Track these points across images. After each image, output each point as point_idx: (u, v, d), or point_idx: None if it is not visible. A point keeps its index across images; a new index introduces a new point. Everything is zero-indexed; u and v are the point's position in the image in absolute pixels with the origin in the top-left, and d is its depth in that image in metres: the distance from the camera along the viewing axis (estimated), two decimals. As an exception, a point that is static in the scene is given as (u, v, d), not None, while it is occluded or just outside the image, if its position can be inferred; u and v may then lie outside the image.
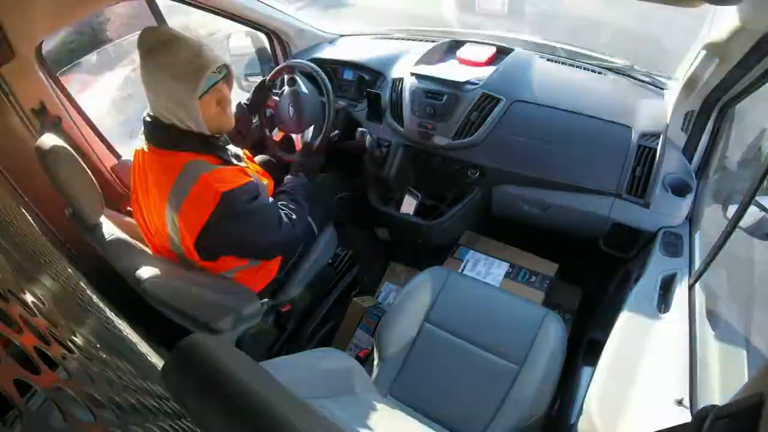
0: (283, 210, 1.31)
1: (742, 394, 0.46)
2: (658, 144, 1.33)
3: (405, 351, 1.29)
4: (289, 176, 1.48)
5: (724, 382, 1.00)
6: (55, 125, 1.37)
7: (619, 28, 3.34)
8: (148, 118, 1.18)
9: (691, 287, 1.12)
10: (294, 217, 1.32)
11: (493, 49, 1.67)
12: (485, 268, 1.71)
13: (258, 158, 1.82)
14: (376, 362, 1.32)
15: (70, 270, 1.07)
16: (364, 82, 1.82)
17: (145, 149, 1.21)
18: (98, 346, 0.58)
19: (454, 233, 1.83)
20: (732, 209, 1.10)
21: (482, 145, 1.53)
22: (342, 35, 2.10)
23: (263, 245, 1.27)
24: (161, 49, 1.07)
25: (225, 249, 1.27)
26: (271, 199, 1.31)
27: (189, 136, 1.17)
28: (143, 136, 1.21)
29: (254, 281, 1.42)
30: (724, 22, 1.05)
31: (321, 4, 4.71)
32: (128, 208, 1.61)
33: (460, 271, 1.71)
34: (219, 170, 1.16)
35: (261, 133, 1.79)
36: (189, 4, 1.64)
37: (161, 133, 1.16)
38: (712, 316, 1.15)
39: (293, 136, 1.74)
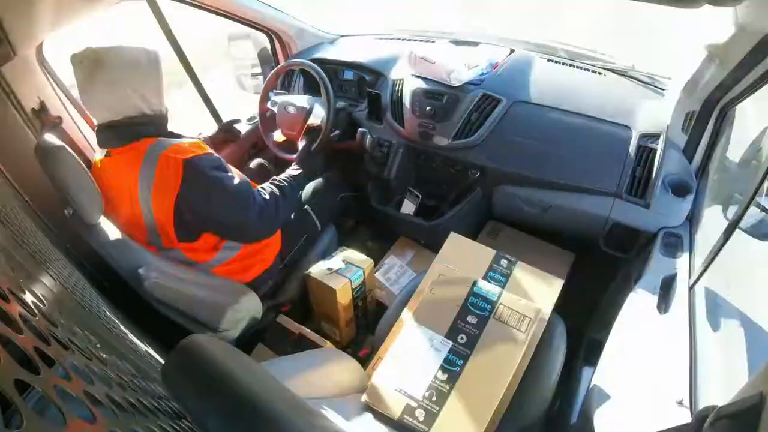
0: (260, 191, 1.35)
1: (742, 395, 0.46)
2: (658, 144, 1.33)
3: None
4: (287, 171, 1.51)
5: (724, 382, 1.00)
6: (56, 125, 1.37)
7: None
8: (103, 126, 1.23)
9: (691, 288, 1.12)
10: (270, 199, 1.34)
11: (507, 51, 1.67)
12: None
13: (252, 163, 1.84)
14: (375, 362, 1.32)
15: (70, 270, 1.07)
16: (365, 82, 1.82)
17: (103, 157, 1.25)
18: (98, 346, 0.58)
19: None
20: (732, 210, 1.10)
21: (483, 145, 1.53)
22: (342, 35, 2.10)
23: (235, 222, 1.29)
24: (112, 53, 1.16)
25: (199, 223, 1.28)
26: (239, 178, 1.32)
27: (148, 122, 1.23)
28: (99, 149, 1.27)
29: (245, 271, 1.44)
30: (725, 22, 1.05)
31: None
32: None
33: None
34: (177, 144, 1.22)
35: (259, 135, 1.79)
36: (189, 4, 1.64)
37: (120, 132, 1.22)
38: (712, 316, 1.15)
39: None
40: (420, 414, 0.94)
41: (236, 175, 1.32)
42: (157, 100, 1.25)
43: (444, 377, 0.97)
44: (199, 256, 1.33)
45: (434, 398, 0.95)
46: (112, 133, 1.22)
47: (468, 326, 1.02)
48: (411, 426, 0.94)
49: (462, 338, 1.01)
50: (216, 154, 1.30)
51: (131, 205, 1.23)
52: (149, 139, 1.21)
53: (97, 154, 1.28)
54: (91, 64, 1.14)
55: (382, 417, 0.99)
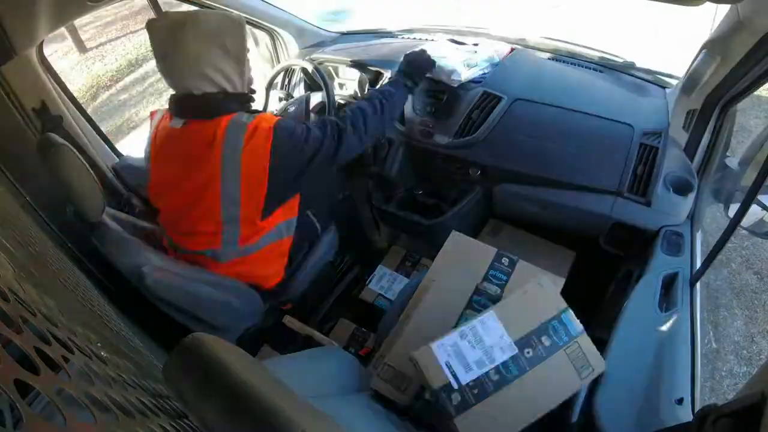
0: (352, 120, 1.30)
1: (743, 393, 0.46)
2: (659, 142, 1.33)
3: None
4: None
5: (724, 381, 1.00)
6: (56, 124, 1.37)
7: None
8: (180, 96, 1.20)
9: (692, 286, 1.12)
10: (366, 129, 1.31)
11: (508, 47, 1.67)
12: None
13: None
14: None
15: (71, 268, 1.07)
16: (365, 80, 1.82)
17: (177, 127, 1.21)
18: (99, 345, 0.58)
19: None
20: (733, 208, 1.10)
21: (483, 143, 1.53)
22: (342, 33, 2.10)
23: (328, 146, 1.25)
24: (195, 20, 1.12)
25: (293, 179, 1.25)
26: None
27: (230, 99, 1.21)
28: (173, 116, 1.23)
29: (270, 270, 1.43)
30: (726, 21, 1.05)
31: None
32: (128, 208, 1.61)
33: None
34: (260, 115, 1.20)
35: None
36: (189, 2, 1.64)
37: (199, 105, 1.19)
38: (713, 315, 1.15)
39: None
40: (455, 398, 0.93)
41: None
42: (239, 81, 1.23)
43: (495, 378, 0.96)
44: (252, 236, 1.30)
45: (475, 391, 0.94)
46: (196, 103, 1.19)
47: (539, 345, 1.01)
48: (442, 403, 0.93)
49: (528, 352, 0.99)
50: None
51: (205, 177, 1.20)
52: (228, 116, 1.19)
53: (172, 122, 1.23)
54: (171, 30, 1.11)
55: (385, 414, 1.00)
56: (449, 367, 0.95)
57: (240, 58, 1.21)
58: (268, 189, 1.20)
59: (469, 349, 0.97)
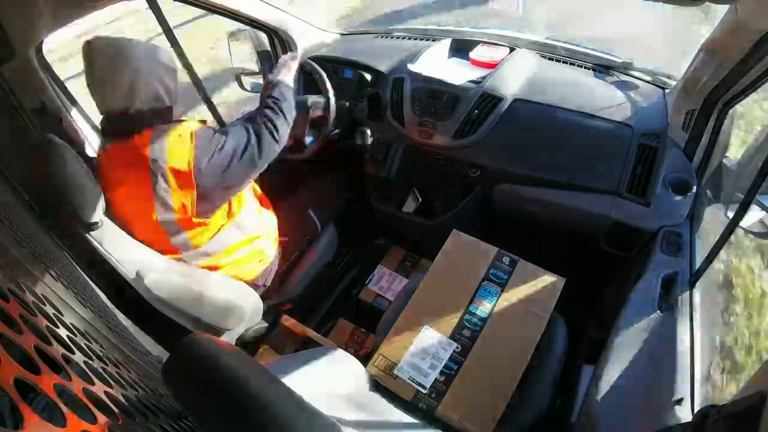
0: (262, 125, 1.32)
1: (743, 394, 0.46)
2: (658, 143, 1.33)
3: None
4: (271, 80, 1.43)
5: (724, 381, 1.00)
6: (56, 125, 1.37)
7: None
8: (108, 118, 1.23)
9: (691, 286, 1.12)
10: (276, 130, 1.32)
11: (507, 50, 1.66)
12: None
13: None
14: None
15: (70, 269, 1.07)
16: (365, 81, 1.81)
17: (108, 148, 1.25)
18: (99, 345, 0.58)
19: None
20: (733, 208, 1.10)
21: (483, 144, 1.53)
22: (342, 34, 2.10)
23: (248, 161, 1.28)
24: (129, 45, 1.17)
25: (218, 187, 1.27)
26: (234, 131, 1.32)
27: (156, 114, 1.24)
28: (104, 139, 1.27)
29: (244, 265, 1.43)
30: (725, 20, 1.05)
31: None
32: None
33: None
34: (180, 123, 1.26)
35: None
36: (189, 3, 1.64)
37: (126, 124, 1.21)
38: (712, 315, 1.15)
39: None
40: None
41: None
42: (175, 88, 1.27)
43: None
44: (202, 237, 1.32)
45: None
46: (123, 124, 1.22)
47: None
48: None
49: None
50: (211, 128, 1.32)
51: (141, 197, 1.22)
52: (151, 129, 1.22)
53: (100, 146, 1.27)
54: (114, 52, 1.15)
55: (388, 412, 1.01)
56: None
57: (174, 72, 1.27)
58: (197, 193, 1.23)
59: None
